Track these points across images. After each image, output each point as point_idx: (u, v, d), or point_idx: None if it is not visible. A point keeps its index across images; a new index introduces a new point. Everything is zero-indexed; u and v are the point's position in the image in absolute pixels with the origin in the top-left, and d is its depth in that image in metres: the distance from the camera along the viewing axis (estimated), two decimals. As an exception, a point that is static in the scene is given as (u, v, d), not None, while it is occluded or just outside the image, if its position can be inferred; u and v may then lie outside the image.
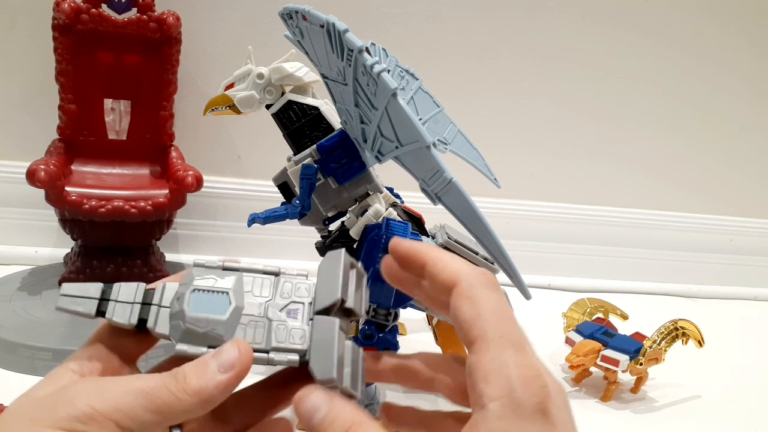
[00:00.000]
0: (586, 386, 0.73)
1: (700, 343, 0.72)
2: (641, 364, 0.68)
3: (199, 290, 0.27)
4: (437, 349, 0.65)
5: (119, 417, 0.24)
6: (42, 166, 0.71)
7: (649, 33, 1.07)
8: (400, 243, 0.29)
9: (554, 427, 0.23)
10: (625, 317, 0.81)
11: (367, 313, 0.55)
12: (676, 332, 0.71)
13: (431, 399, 0.65)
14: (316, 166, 0.55)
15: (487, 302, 0.25)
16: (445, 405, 0.29)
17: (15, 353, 0.63)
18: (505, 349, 0.24)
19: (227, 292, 0.27)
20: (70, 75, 0.81)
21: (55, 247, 0.93)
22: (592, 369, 0.72)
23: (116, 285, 0.28)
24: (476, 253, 0.60)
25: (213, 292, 0.27)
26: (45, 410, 0.24)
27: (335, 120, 0.58)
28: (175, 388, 0.25)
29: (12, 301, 0.73)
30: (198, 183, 0.78)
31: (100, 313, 0.27)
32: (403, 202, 0.62)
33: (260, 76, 0.58)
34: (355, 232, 0.57)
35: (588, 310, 0.80)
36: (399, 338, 0.57)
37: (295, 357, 0.27)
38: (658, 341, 0.69)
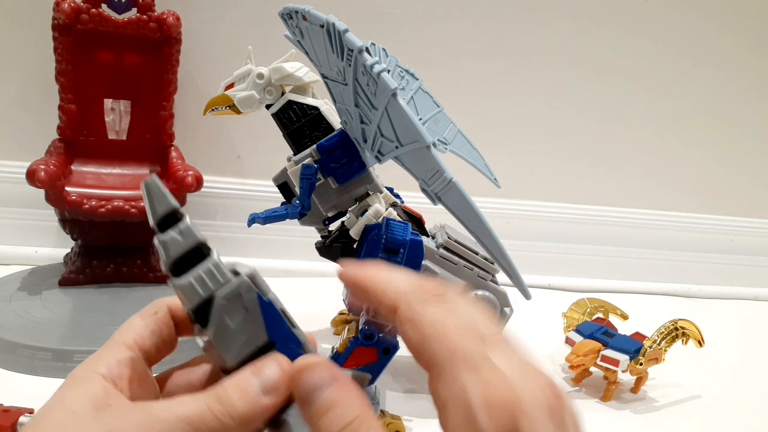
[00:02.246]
0: (586, 386, 0.73)
1: (700, 343, 0.72)
2: (641, 364, 0.68)
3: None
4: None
5: None
6: (42, 166, 0.71)
7: (650, 34, 1.07)
8: (344, 275, 0.26)
9: None
10: (625, 317, 0.81)
11: (367, 312, 0.55)
12: (676, 332, 0.71)
13: (431, 399, 0.65)
14: (316, 166, 0.55)
15: (430, 321, 0.22)
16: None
17: (15, 353, 0.63)
18: (460, 370, 0.21)
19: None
20: (70, 75, 0.81)
21: (55, 247, 0.93)
22: (592, 369, 0.72)
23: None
24: (476, 253, 0.60)
25: None
26: None
27: (335, 120, 0.58)
28: (220, 413, 0.23)
29: (12, 301, 0.73)
30: (198, 183, 0.78)
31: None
32: (403, 202, 0.62)
33: (260, 76, 0.58)
34: (355, 232, 0.57)
35: (588, 310, 0.80)
36: (399, 338, 0.57)
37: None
38: (658, 341, 0.69)
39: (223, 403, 0.24)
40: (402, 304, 0.23)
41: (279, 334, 0.26)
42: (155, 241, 0.25)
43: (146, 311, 0.29)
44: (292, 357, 0.26)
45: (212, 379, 0.30)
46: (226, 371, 0.26)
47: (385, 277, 0.24)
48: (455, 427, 0.20)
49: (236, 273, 0.26)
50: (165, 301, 0.30)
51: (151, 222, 0.25)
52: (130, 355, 0.27)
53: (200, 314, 0.25)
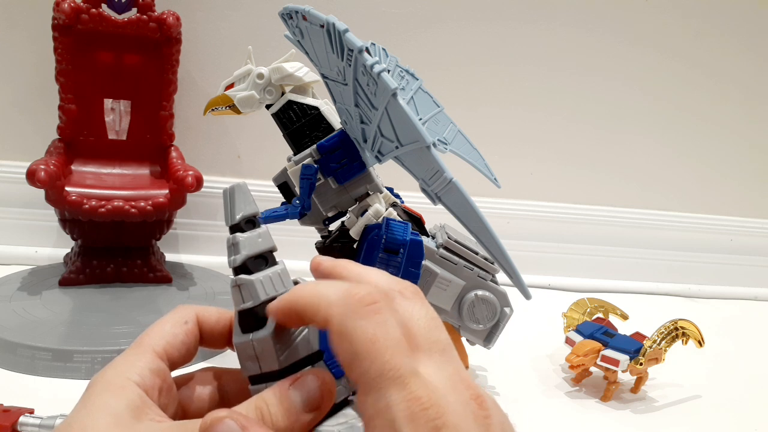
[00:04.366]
0: (586, 386, 0.73)
1: (700, 343, 0.72)
2: (641, 364, 0.68)
3: None
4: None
5: None
6: (42, 166, 0.71)
7: (649, 36, 1.07)
8: (273, 309, 0.25)
9: None
10: (625, 317, 0.81)
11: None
12: (676, 332, 0.71)
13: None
14: (316, 166, 0.55)
15: (361, 337, 0.21)
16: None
17: (15, 353, 0.63)
18: (387, 389, 0.21)
19: None
20: (70, 75, 0.81)
21: (55, 247, 0.93)
22: (592, 369, 0.72)
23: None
24: (476, 253, 0.60)
25: None
26: None
27: (335, 120, 0.58)
28: (263, 430, 0.23)
29: (12, 301, 0.73)
30: (198, 183, 0.78)
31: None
32: (403, 202, 0.62)
33: (260, 76, 0.58)
34: (355, 232, 0.57)
35: (588, 310, 0.80)
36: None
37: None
38: (658, 341, 0.69)
39: (266, 421, 0.23)
40: (334, 317, 0.22)
41: (327, 346, 0.26)
42: (229, 238, 0.26)
43: (176, 319, 0.29)
44: (335, 371, 0.26)
45: (221, 394, 0.29)
46: (261, 378, 0.26)
47: (314, 293, 0.23)
48: None
49: (297, 283, 0.27)
50: (194, 310, 0.29)
51: (231, 221, 0.26)
52: (161, 365, 0.26)
53: (254, 316, 0.26)
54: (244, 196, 0.27)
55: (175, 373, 0.29)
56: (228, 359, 0.33)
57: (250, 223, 0.27)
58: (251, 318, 0.26)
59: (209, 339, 0.29)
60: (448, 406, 0.21)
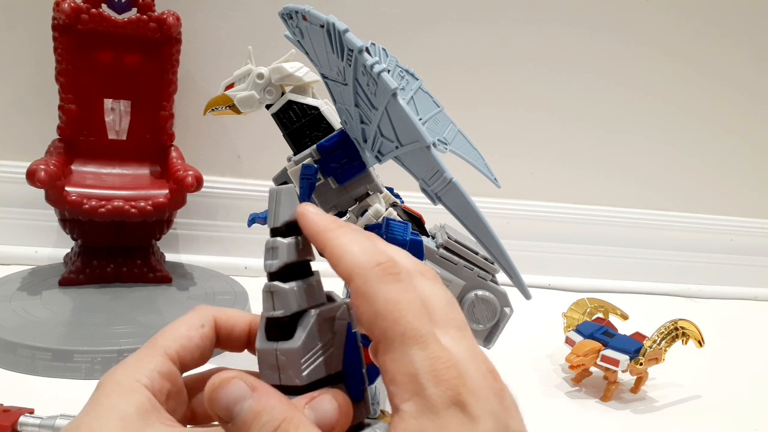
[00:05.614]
0: (586, 386, 0.73)
1: (700, 343, 0.72)
2: (641, 364, 0.68)
3: None
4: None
5: None
6: (42, 166, 0.71)
7: (649, 36, 1.07)
8: (304, 220, 0.25)
9: (473, 419, 0.21)
10: (625, 317, 0.81)
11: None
12: (676, 332, 0.71)
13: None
14: (316, 166, 0.55)
15: (384, 299, 0.22)
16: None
17: (15, 353, 0.63)
18: (410, 347, 0.22)
19: None
20: (70, 75, 0.81)
21: (55, 247, 0.93)
22: (592, 369, 0.72)
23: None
24: (476, 253, 0.60)
25: None
26: None
27: (335, 120, 0.58)
28: (272, 392, 0.23)
29: (12, 301, 0.73)
30: (198, 183, 0.78)
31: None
32: (403, 202, 0.62)
33: (260, 76, 0.58)
34: (355, 232, 0.56)
35: (588, 310, 0.80)
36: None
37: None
38: (658, 341, 0.69)
39: None
40: (358, 277, 0.23)
41: (351, 367, 0.26)
42: (269, 241, 0.25)
43: (193, 322, 0.28)
44: (355, 394, 0.25)
45: None
46: (279, 389, 0.24)
47: (344, 243, 0.24)
48: (404, 399, 0.21)
49: (331, 299, 0.26)
50: (212, 313, 0.29)
51: (273, 223, 0.25)
52: (172, 369, 0.26)
53: (283, 325, 0.25)
54: (291, 200, 0.26)
55: (187, 374, 0.28)
56: (238, 359, 0.32)
57: (292, 229, 0.26)
58: (279, 327, 0.25)
59: (226, 341, 0.29)
60: (468, 372, 0.22)
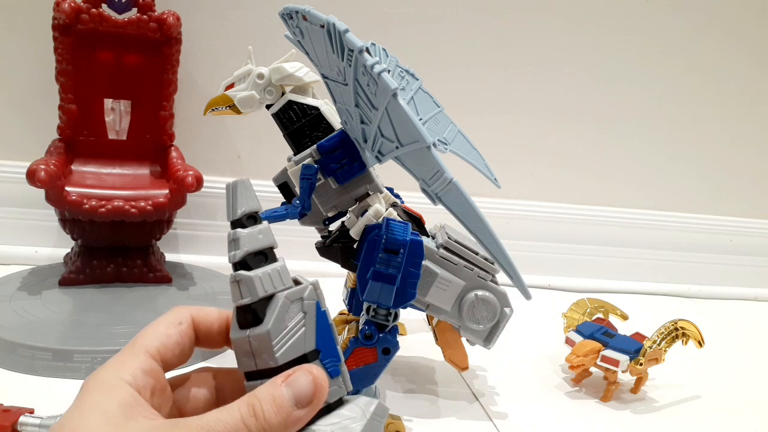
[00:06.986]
0: (586, 386, 0.73)
1: (700, 343, 0.72)
2: (641, 365, 0.68)
3: None
4: (437, 350, 0.65)
5: None
6: (42, 166, 0.71)
7: (648, 36, 1.07)
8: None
9: None
10: (625, 317, 0.81)
11: (368, 312, 0.55)
12: (676, 332, 0.71)
13: (431, 399, 0.65)
14: (316, 166, 0.55)
15: None
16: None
17: (15, 353, 0.63)
18: None
19: None
20: (70, 75, 0.81)
21: (55, 247, 0.93)
22: (592, 369, 0.72)
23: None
24: (476, 253, 0.60)
25: None
26: None
27: (335, 120, 0.58)
28: (255, 428, 0.24)
29: (12, 301, 0.73)
30: (198, 183, 0.78)
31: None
32: (403, 202, 0.62)
33: (260, 76, 0.58)
34: (355, 233, 0.56)
35: (588, 310, 0.80)
36: (399, 338, 0.57)
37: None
38: (658, 341, 0.69)
39: (257, 417, 0.24)
40: None
41: (325, 345, 0.27)
42: (230, 233, 0.26)
43: (171, 320, 0.29)
44: (331, 370, 0.26)
45: (217, 393, 0.29)
46: (257, 374, 0.26)
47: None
48: None
49: (297, 282, 0.27)
50: (188, 311, 0.29)
51: (232, 216, 0.26)
52: (154, 366, 0.26)
53: (252, 312, 0.26)
54: (247, 191, 0.27)
55: (172, 374, 0.29)
56: (228, 359, 0.33)
57: (252, 219, 0.27)
58: (249, 314, 0.26)
59: (206, 339, 0.29)
60: None
